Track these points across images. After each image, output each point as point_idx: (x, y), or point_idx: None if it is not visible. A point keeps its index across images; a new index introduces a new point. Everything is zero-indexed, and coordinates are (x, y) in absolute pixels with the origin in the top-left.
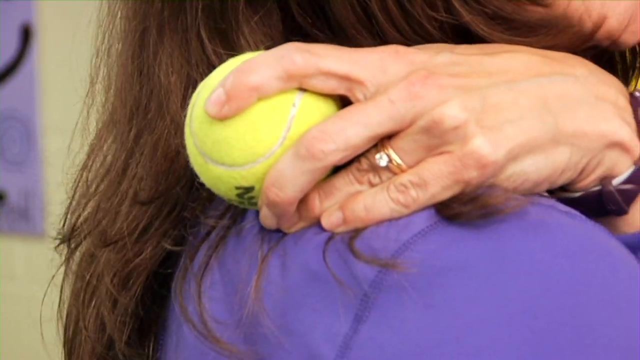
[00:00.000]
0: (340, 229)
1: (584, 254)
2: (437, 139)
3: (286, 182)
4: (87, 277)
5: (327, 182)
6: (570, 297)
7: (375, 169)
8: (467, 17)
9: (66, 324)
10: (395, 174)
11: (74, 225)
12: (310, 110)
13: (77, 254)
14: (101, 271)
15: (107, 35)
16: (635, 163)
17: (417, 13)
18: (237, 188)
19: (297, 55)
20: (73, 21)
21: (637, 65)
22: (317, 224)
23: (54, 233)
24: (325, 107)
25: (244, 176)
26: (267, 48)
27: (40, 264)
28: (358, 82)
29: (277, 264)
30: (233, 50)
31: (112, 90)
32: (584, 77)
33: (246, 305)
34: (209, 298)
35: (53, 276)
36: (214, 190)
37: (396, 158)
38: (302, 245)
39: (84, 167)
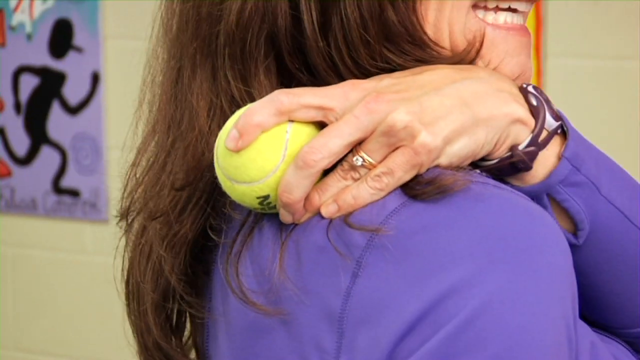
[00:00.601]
0: (336, 215)
1: (514, 214)
2: (393, 137)
3: (293, 187)
4: (142, 244)
5: (322, 182)
6: (502, 241)
7: (354, 168)
8: (399, 61)
9: (127, 280)
10: (369, 169)
11: (129, 206)
12: (299, 135)
13: (134, 227)
14: (152, 239)
15: (151, 70)
16: (532, 132)
17: (364, 63)
18: (257, 198)
19: (283, 97)
20: (128, 69)
21: None
22: (318, 213)
23: (115, 216)
24: (310, 131)
25: (261, 188)
26: (266, 87)
27: (104, 242)
28: (330, 109)
29: (293, 245)
30: (249, 87)
31: (154, 109)
32: (486, 78)
33: (273, 277)
34: (245, 275)
35: (117, 245)
36: (241, 204)
37: (367, 157)
38: (310, 230)
39: (134, 164)
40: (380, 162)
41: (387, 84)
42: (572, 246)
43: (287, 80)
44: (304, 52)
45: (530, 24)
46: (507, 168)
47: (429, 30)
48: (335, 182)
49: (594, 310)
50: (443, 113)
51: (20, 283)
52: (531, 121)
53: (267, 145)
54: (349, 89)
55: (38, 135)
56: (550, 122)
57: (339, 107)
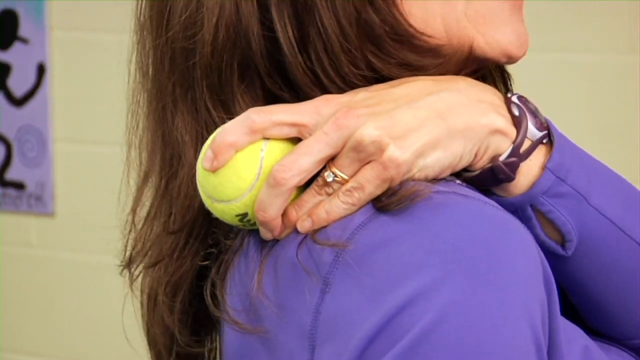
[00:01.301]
0: (311, 230)
1: (474, 223)
2: (363, 153)
3: (266, 206)
4: (147, 291)
5: (299, 198)
6: (460, 252)
7: (327, 183)
8: (385, 70)
9: (144, 327)
10: (342, 184)
11: (130, 254)
12: (274, 152)
13: (139, 276)
14: (156, 285)
15: (135, 116)
16: (513, 142)
17: (346, 72)
18: (236, 216)
19: (255, 116)
20: (74, 60)
21: (508, 83)
22: (296, 229)
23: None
24: (285, 147)
25: (238, 206)
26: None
27: (49, 235)
28: (303, 126)
29: (271, 262)
30: (231, 114)
31: (144, 154)
32: (464, 89)
33: (252, 294)
34: (231, 295)
35: (126, 294)
36: (223, 220)
37: (339, 173)
38: (287, 246)
39: (132, 210)
40: (352, 176)
41: (361, 98)
42: (562, 257)
43: (272, 101)
44: (284, 71)
45: None
46: (489, 179)
47: (416, 23)
48: (310, 197)
49: (595, 321)
50: (415, 126)
51: None
52: (512, 132)
53: (243, 164)
54: (321, 105)
55: None
56: (534, 132)
57: (311, 123)
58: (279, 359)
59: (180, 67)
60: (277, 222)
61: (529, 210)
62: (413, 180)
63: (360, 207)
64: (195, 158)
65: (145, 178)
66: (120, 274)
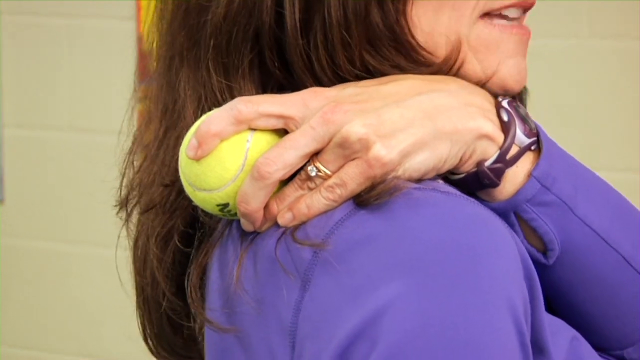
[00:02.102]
0: (292, 224)
1: (453, 222)
2: (348, 149)
3: (249, 198)
4: (138, 237)
5: (281, 192)
6: (439, 252)
7: (310, 178)
8: (379, 69)
9: (135, 277)
10: (324, 179)
11: (127, 195)
12: (260, 143)
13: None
14: (147, 232)
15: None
16: (500, 148)
17: (340, 66)
18: (217, 205)
19: (241, 105)
20: (24, 45)
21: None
22: (277, 222)
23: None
24: (272, 139)
25: (220, 196)
26: (248, 82)
27: (1, 222)
28: (290, 118)
29: (251, 256)
30: (230, 81)
31: (149, 96)
32: (455, 91)
33: (229, 289)
34: (210, 292)
35: (119, 234)
36: (203, 209)
37: (322, 168)
38: (267, 240)
39: (130, 151)
40: (335, 172)
41: (349, 93)
42: (544, 265)
43: (266, 78)
44: (283, 50)
45: None
46: (473, 183)
47: (419, 35)
48: (292, 191)
49: (578, 330)
50: (402, 126)
51: None
52: (500, 137)
53: (227, 154)
54: (309, 97)
55: None
56: (522, 139)
57: (298, 116)
58: (257, 356)
59: (191, 22)
60: (259, 215)
61: (512, 217)
62: (397, 179)
63: (341, 204)
64: (194, 116)
65: (148, 122)
66: (117, 214)
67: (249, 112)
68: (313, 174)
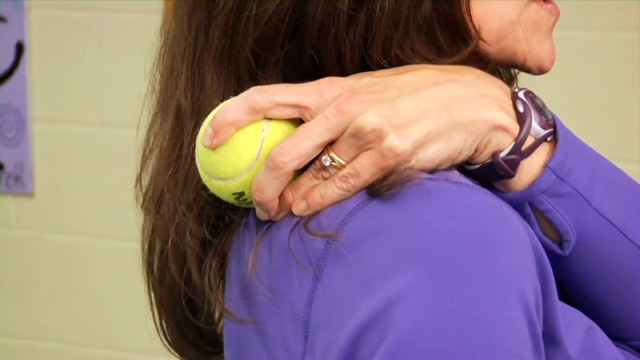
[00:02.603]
0: (306, 213)
1: (465, 212)
2: (362, 140)
3: (264, 187)
4: (155, 236)
5: (296, 181)
6: (451, 242)
7: (324, 167)
8: (406, 62)
9: (147, 271)
10: (339, 169)
11: (148, 190)
12: (276, 133)
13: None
14: (177, 231)
15: (156, 61)
16: (515, 139)
17: (373, 58)
18: (233, 194)
19: (257, 95)
20: (53, 39)
21: (514, 75)
22: (291, 212)
23: (41, 192)
24: (287, 129)
25: (236, 185)
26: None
27: (28, 216)
28: (305, 108)
29: (266, 245)
30: (259, 73)
31: (162, 88)
32: (471, 81)
33: (245, 278)
34: (229, 280)
35: (143, 232)
36: (220, 197)
37: (337, 158)
38: (281, 229)
39: (144, 152)
40: (349, 162)
41: (365, 84)
42: (560, 256)
43: (291, 69)
44: (320, 43)
45: None
46: (488, 174)
47: (475, 21)
48: (307, 181)
49: (594, 320)
50: (417, 116)
51: None
52: (515, 128)
53: (243, 144)
54: (325, 87)
55: None
56: (537, 130)
57: (314, 106)
58: (272, 344)
59: (225, 19)
60: (274, 204)
61: (528, 208)
62: (410, 169)
63: (354, 194)
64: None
65: (161, 120)
66: (141, 207)
67: (264, 102)
68: (327, 163)
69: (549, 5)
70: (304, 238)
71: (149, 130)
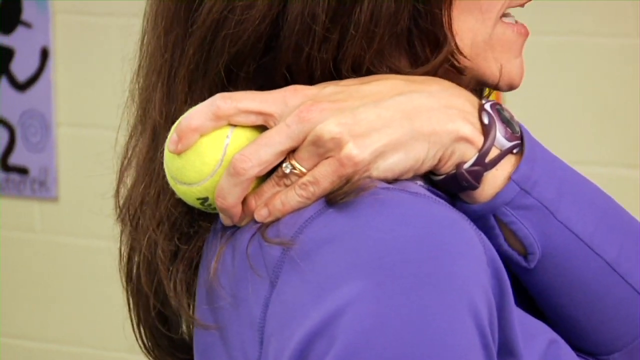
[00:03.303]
0: (268, 219)
1: (418, 223)
2: (322, 148)
3: (225, 193)
4: (132, 246)
5: (259, 188)
6: (401, 252)
7: (286, 175)
8: (380, 71)
9: (127, 273)
10: (300, 177)
11: (126, 203)
12: (240, 139)
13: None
14: (150, 245)
15: (135, 72)
16: (479, 151)
17: (343, 74)
18: (198, 199)
19: (221, 102)
20: (78, 45)
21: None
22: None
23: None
24: (252, 136)
25: (200, 190)
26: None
27: (53, 220)
28: (269, 115)
29: (230, 250)
30: (232, 88)
31: (139, 99)
32: (436, 92)
33: (208, 284)
34: (198, 286)
35: (120, 246)
36: (186, 202)
37: (298, 165)
38: (244, 235)
39: (122, 167)
40: (311, 170)
41: (329, 92)
42: (526, 269)
43: (262, 82)
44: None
45: None
46: (453, 185)
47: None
48: (270, 188)
49: (562, 333)
50: (378, 125)
51: None
52: (479, 140)
53: (207, 149)
54: (289, 95)
55: None
56: (502, 142)
57: (278, 113)
58: (233, 350)
59: (203, 34)
60: (237, 210)
61: (492, 219)
62: (371, 179)
63: (315, 201)
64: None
65: (138, 135)
66: (117, 220)
67: (228, 108)
68: (288, 170)
69: (517, 27)
70: (263, 244)
71: (127, 143)
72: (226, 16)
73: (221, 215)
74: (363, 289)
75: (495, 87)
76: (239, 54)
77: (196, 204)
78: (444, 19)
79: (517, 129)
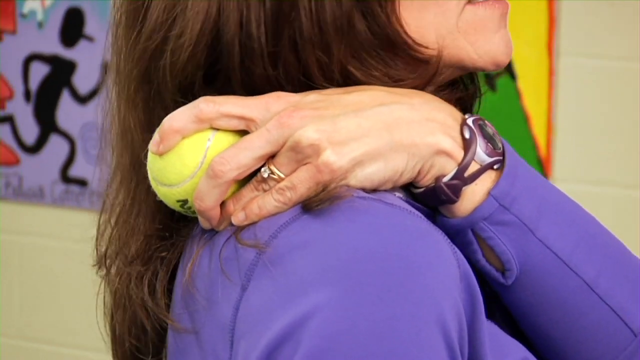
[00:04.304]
0: (244, 223)
1: (390, 233)
2: (300, 154)
3: (204, 196)
4: (118, 290)
5: (238, 192)
6: (370, 262)
7: (264, 179)
8: (365, 81)
9: (111, 324)
10: (278, 182)
11: (105, 252)
12: (221, 143)
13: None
14: (129, 283)
15: (109, 105)
16: (458, 165)
17: (317, 84)
18: (178, 201)
19: (203, 105)
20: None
21: (477, 97)
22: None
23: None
24: (234, 140)
25: (180, 192)
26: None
27: None
28: (250, 120)
29: (207, 253)
30: None
31: (115, 152)
32: (418, 105)
33: (183, 286)
34: (175, 287)
35: (97, 291)
36: (167, 204)
37: (276, 170)
38: (221, 238)
39: (104, 209)
40: (289, 176)
41: (311, 100)
42: (504, 285)
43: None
44: (253, 79)
45: (542, 21)
46: (432, 198)
47: (411, 33)
48: (248, 192)
49: (541, 351)
50: (357, 135)
51: (26, 272)
52: (459, 154)
53: (187, 151)
54: (272, 101)
55: (47, 123)
56: (482, 157)
57: (259, 119)
58: (206, 353)
59: (147, 66)
60: (214, 213)
61: (470, 234)
62: (348, 187)
63: (291, 207)
64: None
65: (117, 175)
66: (97, 273)
67: (210, 112)
68: (266, 175)
69: (487, 3)
70: (238, 247)
71: (108, 187)
72: (161, 48)
73: (200, 218)
74: (330, 296)
75: (481, 70)
76: (182, 84)
77: (176, 207)
78: (386, 18)
79: (500, 145)
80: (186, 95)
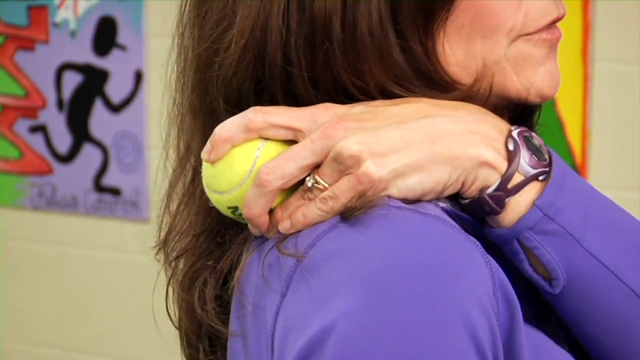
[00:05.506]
0: (291, 231)
1: (421, 243)
2: (342, 164)
3: (251, 204)
4: (181, 275)
5: (286, 200)
6: (398, 270)
7: (309, 189)
8: (406, 96)
9: (178, 314)
10: (322, 191)
11: (165, 238)
12: (270, 152)
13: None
14: (190, 275)
15: (178, 106)
16: (501, 176)
17: (358, 100)
18: (229, 208)
19: (252, 115)
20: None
21: (538, 108)
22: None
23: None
24: (283, 149)
25: (230, 199)
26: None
27: (144, 241)
28: (298, 130)
29: (256, 260)
30: None
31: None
32: (462, 117)
33: (230, 291)
34: (233, 293)
35: (156, 280)
36: (220, 210)
37: (320, 180)
38: (269, 245)
39: (167, 195)
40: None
41: (356, 112)
42: (553, 294)
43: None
44: (297, 99)
45: (577, 27)
46: (477, 209)
47: (455, 65)
48: (295, 201)
49: (595, 358)
50: (399, 146)
51: (59, 281)
52: (503, 166)
53: (237, 160)
54: (319, 112)
55: (80, 132)
56: (526, 169)
57: (306, 129)
58: (251, 357)
59: (201, 75)
60: (262, 220)
61: (516, 244)
62: (390, 197)
63: (334, 216)
64: None
65: (182, 166)
66: (155, 257)
67: (258, 122)
68: (310, 184)
69: (535, 37)
70: (279, 255)
71: (170, 180)
72: (213, 60)
73: (249, 225)
74: (358, 303)
75: (525, 102)
76: (230, 94)
77: (228, 213)
78: (424, 54)
79: (546, 156)
80: (237, 105)
